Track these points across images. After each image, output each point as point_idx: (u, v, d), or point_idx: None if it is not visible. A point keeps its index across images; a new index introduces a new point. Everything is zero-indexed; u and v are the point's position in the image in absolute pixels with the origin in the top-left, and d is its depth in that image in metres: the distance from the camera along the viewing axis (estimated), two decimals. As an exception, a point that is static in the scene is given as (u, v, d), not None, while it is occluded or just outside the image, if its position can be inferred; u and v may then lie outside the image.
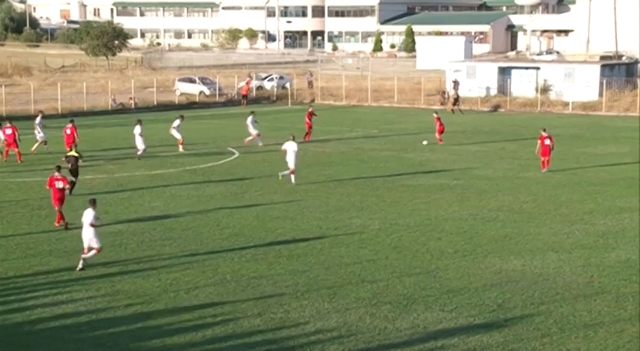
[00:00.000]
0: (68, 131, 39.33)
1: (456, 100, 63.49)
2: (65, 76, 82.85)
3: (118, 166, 35.25)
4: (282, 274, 21.18)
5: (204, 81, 74.49)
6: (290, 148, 33.50)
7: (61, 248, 23.32)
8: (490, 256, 22.97)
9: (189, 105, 66.15)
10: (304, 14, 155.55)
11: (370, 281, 20.70)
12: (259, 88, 76.36)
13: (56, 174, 26.24)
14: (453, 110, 62.15)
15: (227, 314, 18.21)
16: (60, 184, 25.91)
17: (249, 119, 44.20)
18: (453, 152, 42.54)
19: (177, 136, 42.34)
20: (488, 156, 41.27)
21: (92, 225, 21.56)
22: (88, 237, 21.57)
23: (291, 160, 33.29)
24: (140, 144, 39.02)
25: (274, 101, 71.67)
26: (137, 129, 39.19)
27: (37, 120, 41.55)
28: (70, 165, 31.10)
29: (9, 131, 38.30)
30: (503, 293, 19.76)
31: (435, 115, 46.06)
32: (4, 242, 23.83)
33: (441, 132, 44.74)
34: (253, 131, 43.79)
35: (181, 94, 70.95)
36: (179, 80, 74.97)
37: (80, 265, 21.37)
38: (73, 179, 30.64)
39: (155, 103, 65.71)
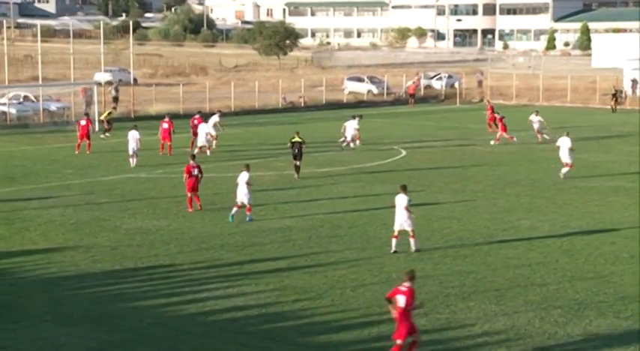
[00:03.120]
0: (165, 125, 40.21)
1: (614, 95, 61.63)
2: (238, 75, 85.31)
3: (287, 164, 35.93)
4: (448, 275, 20.97)
5: (372, 80, 74.87)
6: (564, 143, 34.31)
7: (232, 243, 23.98)
8: (669, 263, 21.88)
9: (358, 104, 66.61)
10: (475, 12, 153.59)
11: (539, 284, 20.17)
12: (427, 87, 76.00)
13: (191, 162, 28.01)
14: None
15: (393, 313, 18.18)
16: (195, 172, 27.82)
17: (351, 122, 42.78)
18: (630, 154, 40.87)
19: (349, 136, 42.90)
20: (667, 158, 39.36)
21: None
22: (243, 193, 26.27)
23: (565, 155, 34.11)
24: (349, 135, 41.63)
25: (442, 100, 71.15)
26: (351, 123, 41.91)
27: (216, 118, 42.94)
28: (295, 150, 34.14)
29: (165, 125, 40.09)
30: (683, 302, 18.78)
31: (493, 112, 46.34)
32: (180, 236, 24.76)
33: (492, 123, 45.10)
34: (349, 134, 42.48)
35: (350, 92, 71.56)
36: (348, 79, 75.68)
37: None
38: (297, 163, 34.22)
39: (324, 101, 66.59)
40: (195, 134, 40.91)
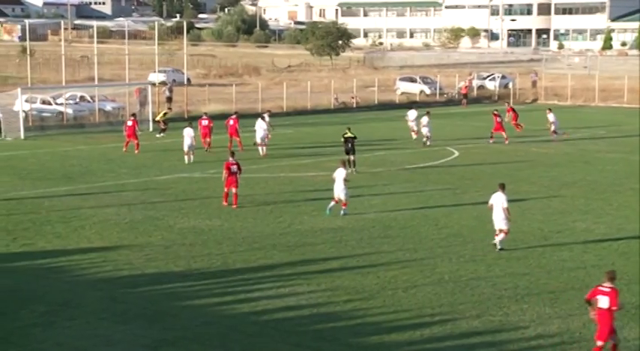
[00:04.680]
0: (204, 122, 41.25)
1: None
2: (291, 76, 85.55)
3: (338, 164, 35.93)
4: (502, 277, 20.79)
5: (424, 80, 74.60)
6: None
7: (284, 243, 24.05)
8: None
9: (410, 104, 66.34)
10: (529, 12, 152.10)
11: (595, 288, 19.88)
12: (480, 87, 75.48)
13: (231, 159, 28.67)
14: None
15: (445, 314, 18.10)
16: (234, 168, 28.34)
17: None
18: (688, 155, 40.12)
19: (427, 132, 43.91)
20: None
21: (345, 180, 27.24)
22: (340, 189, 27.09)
23: None
24: (427, 132, 43.41)
25: (496, 101, 70.57)
26: (425, 119, 43.61)
27: (266, 118, 43.17)
28: (348, 145, 35.34)
29: (205, 122, 40.80)
30: None
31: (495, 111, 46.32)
32: (232, 235, 24.91)
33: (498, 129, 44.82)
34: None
35: (402, 93, 71.37)
36: (400, 79, 75.50)
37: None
38: (352, 157, 35.11)
39: (376, 102, 66.52)
40: (231, 134, 41.21)
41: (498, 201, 23.07)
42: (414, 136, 45.18)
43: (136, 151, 40.41)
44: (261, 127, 40.76)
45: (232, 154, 29.62)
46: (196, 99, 60.96)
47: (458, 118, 59.03)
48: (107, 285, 20.07)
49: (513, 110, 49.29)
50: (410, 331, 17.18)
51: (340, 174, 27.42)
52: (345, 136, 35.66)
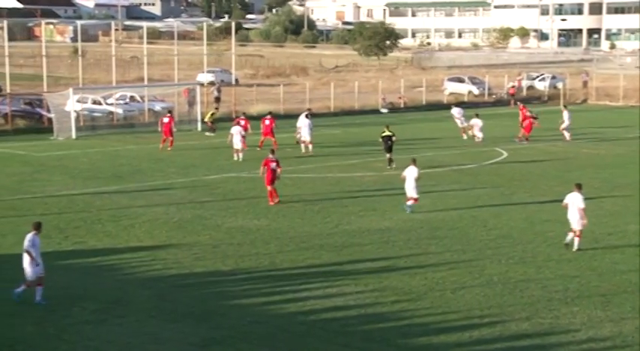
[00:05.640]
0: (267, 122, 41.42)
1: None
2: (338, 76, 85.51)
3: (386, 164, 35.88)
4: (552, 279, 20.56)
5: (473, 80, 74.08)
6: None
7: (331, 243, 24.04)
8: None
9: (458, 105, 65.86)
10: (580, 12, 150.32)
11: (648, 291, 19.58)
12: (530, 87, 74.78)
13: (270, 156, 28.99)
14: None
15: (494, 316, 17.95)
16: (273, 165, 28.74)
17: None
18: None
19: (479, 134, 44.74)
20: None
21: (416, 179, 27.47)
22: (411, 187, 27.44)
23: None
24: (479, 133, 44.57)
25: (545, 101, 69.88)
26: (478, 122, 44.52)
27: (303, 116, 43.22)
28: (388, 143, 35.88)
29: (242, 123, 41.02)
30: None
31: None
32: (280, 235, 24.96)
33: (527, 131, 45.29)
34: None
35: (450, 93, 70.95)
36: (448, 80, 75.06)
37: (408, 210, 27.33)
38: (389, 156, 35.74)
39: (424, 102, 66.19)
40: (266, 134, 41.30)
41: (574, 201, 23.00)
42: (465, 136, 45.15)
43: (160, 146, 41.28)
44: (305, 125, 40.84)
45: (272, 151, 29.87)
46: (244, 99, 61.17)
47: (506, 118, 58.47)
48: (156, 283, 20.24)
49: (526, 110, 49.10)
50: (458, 332, 17.06)
51: (411, 172, 27.62)
52: (383, 134, 36.19)
